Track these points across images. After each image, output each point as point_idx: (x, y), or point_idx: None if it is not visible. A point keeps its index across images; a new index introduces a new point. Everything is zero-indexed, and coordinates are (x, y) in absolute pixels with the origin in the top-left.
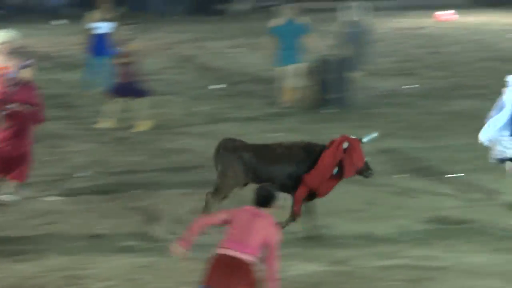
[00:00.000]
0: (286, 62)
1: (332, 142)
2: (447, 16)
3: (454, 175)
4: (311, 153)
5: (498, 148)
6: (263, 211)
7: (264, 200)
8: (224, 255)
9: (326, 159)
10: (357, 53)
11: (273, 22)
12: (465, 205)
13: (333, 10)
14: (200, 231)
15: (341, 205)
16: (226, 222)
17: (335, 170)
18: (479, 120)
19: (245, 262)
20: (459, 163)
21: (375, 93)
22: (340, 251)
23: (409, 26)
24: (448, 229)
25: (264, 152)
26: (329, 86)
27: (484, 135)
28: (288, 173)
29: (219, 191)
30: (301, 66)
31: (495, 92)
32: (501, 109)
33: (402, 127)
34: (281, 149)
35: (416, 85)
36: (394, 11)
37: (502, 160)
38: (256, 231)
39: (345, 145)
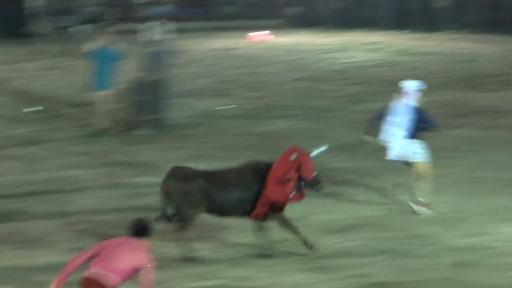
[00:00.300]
0: (101, 86)
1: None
2: (261, 36)
3: None
4: (262, 172)
5: (400, 150)
6: (137, 240)
7: (138, 231)
8: (87, 278)
9: (276, 170)
10: (163, 73)
11: (89, 47)
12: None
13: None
14: (73, 270)
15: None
16: (96, 254)
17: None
18: (294, 139)
19: (106, 282)
20: None
21: (191, 113)
22: (160, 272)
23: (223, 47)
24: (263, 249)
25: (217, 177)
26: (144, 108)
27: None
28: (242, 196)
29: (185, 223)
30: (116, 89)
31: (310, 112)
32: (396, 115)
33: (216, 148)
34: (233, 173)
35: (233, 105)
36: (207, 32)
37: (406, 163)
38: (121, 254)
39: (293, 156)
